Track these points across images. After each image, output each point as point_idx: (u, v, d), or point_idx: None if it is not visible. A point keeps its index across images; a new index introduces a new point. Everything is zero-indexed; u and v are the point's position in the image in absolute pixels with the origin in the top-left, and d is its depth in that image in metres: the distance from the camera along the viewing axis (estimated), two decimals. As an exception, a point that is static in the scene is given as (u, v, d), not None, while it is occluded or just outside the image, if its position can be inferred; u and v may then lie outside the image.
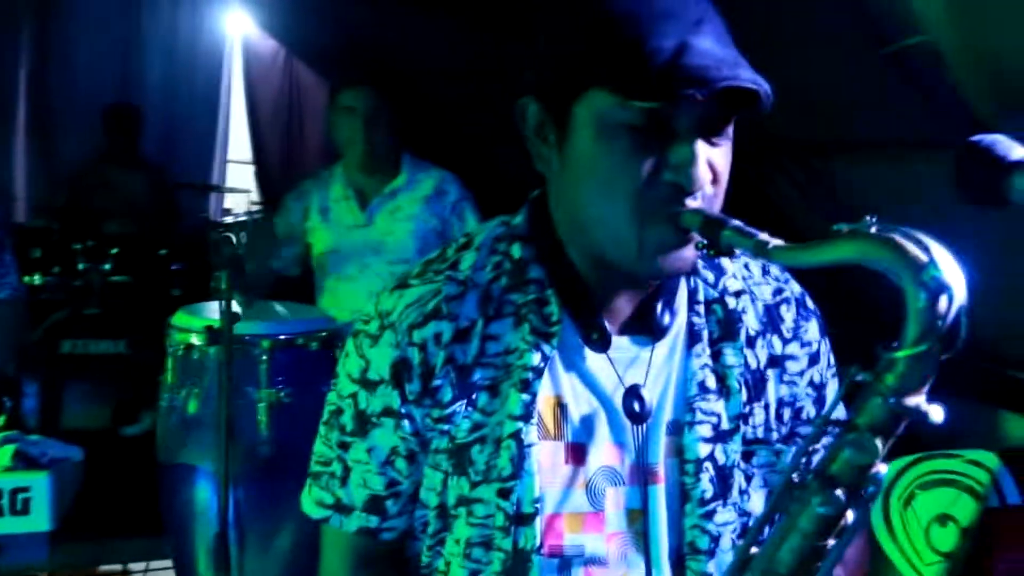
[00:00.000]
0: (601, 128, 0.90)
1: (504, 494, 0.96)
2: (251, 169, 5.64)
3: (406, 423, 0.99)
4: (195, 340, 2.22)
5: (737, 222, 0.85)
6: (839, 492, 0.69)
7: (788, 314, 1.07)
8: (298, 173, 5.56)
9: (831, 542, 0.72)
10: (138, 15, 5.54)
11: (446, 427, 0.98)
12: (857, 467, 0.68)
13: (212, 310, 2.26)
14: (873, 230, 0.72)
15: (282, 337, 2.24)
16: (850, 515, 0.71)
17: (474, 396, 0.97)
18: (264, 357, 2.19)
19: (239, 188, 5.40)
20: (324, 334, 2.32)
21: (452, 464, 0.98)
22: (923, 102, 1.86)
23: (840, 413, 0.82)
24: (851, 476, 0.69)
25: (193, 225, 4.87)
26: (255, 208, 5.08)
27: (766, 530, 0.81)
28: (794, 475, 0.75)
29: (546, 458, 0.97)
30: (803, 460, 0.75)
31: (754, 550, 0.81)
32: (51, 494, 1.81)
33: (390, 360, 0.98)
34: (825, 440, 0.77)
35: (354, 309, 2.57)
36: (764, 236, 0.83)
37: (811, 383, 1.07)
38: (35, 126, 5.23)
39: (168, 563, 2.96)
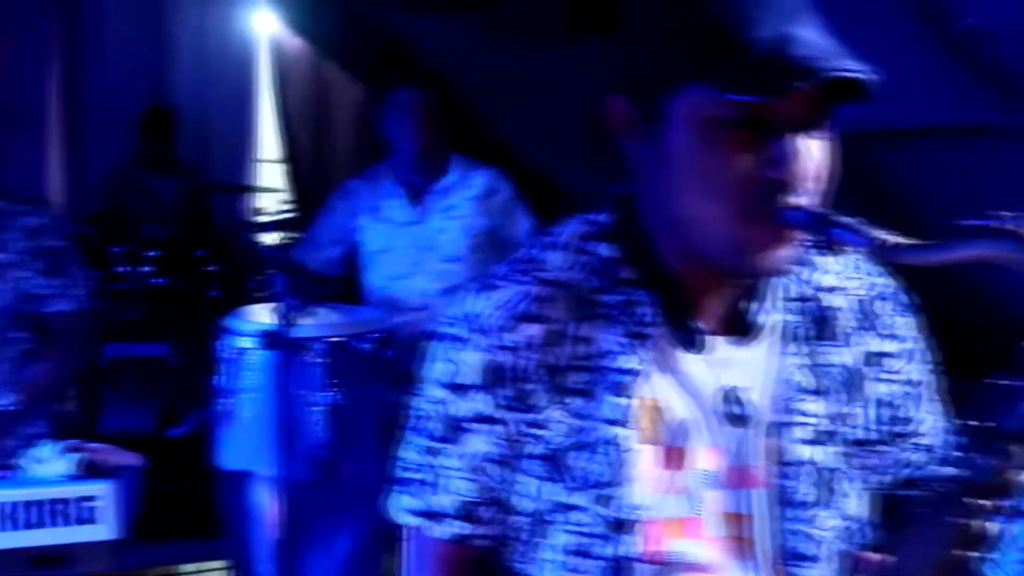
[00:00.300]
0: (698, 124, 0.87)
1: (603, 500, 0.94)
2: (280, 168, 5.63)
3: (499, 428, 0.97)
4: (248, 343, 2.22)
5: (846, 218, 0.83)
6: (984, 502, 0.66)
7: (884, 310, 1.04)
8: (327, 172, 5.56)
9: (972, 554, 0.69)
10: (166, 18, 5.55)
11: (540, 432, 0.96)
12: (1004, 476, 0.66)
13: (263, 313, 2.26)
14: (1010, 225, 0.70)
15: (337, 339, 2.23)
16: (993, 526, 0.69)
17: (568, 400, 0.96)
18: (319, 360, 2.19)
19: (271, 188, 5.40)
20: (378, 335, 2.31)
21: (547, 470, 0.97)
22: (986, 84, 1.81)
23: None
24: (996, 485, 0.66)
25: (227, 226, 4.89)
26: (286, 207, 5.08)
27: (875, 536, 0.78)
28: (929, 482, 0.73)
29: (644, 463, 0.95)
30: (933, 465, 0.72)
31: (871, 556, 0.79)
32: (116, 502, 1.81)
33: (481, 364, 0.97)
34: (948, 447, 0.74)
35: (406, 309, 2.57)
36: (879, 233, 0.80)
37: (909, 381, 1.04)
38: (68, 132, 5.25)
39: (219, 564, 3.01)
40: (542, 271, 0.99)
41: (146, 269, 4.15)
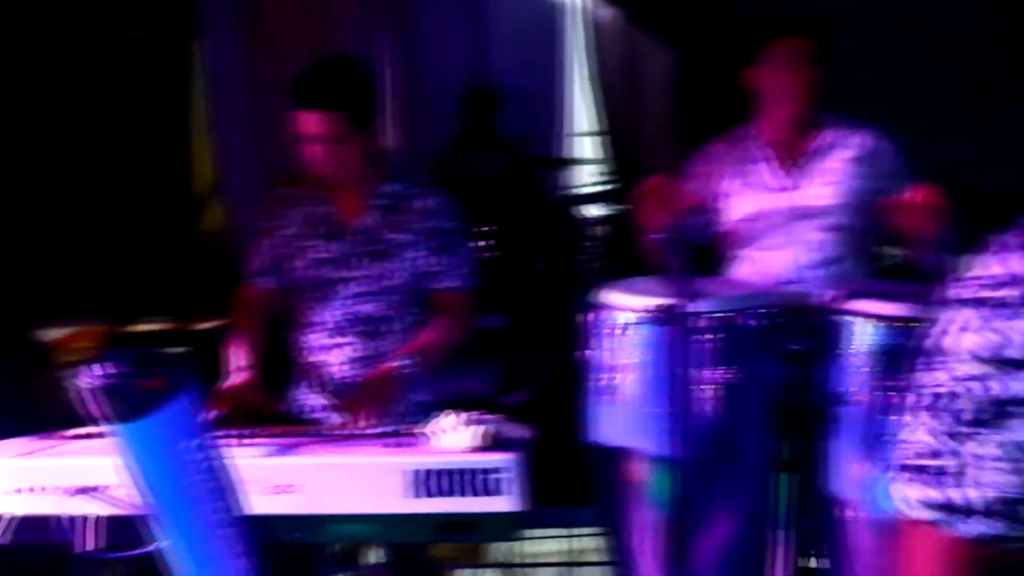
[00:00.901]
0: None
1: None
2: (595, 140, 5.62)
3: None
4: (631, 317, 2.16)
5: None
6: None
7: None
8: (643, 141, 5.48)
9: None
10: (484, -4, 5.70)
11: None
12: None
13: (644, 287, 2.19)
14: None
15: (723, 314, 2.11)
16: None
17: None
18: (706, 336, 2.08)
19: (589, 160, 5.42)
20: (765, 310, 2.16)
21: None
22: None
23: None
24: None
25: (550, 200, 4.96)
26: (604, 180, 5.07)
27: None
28: None
29: None
30: None
31: None
32: (520, 474, 1.82)
33: None
34: None
35: (778, 282, 2.40)
36: None
37: None
38: (400, 117, 5.56)
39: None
40: None
41: (480, 243, 4.28)
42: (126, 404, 1.50)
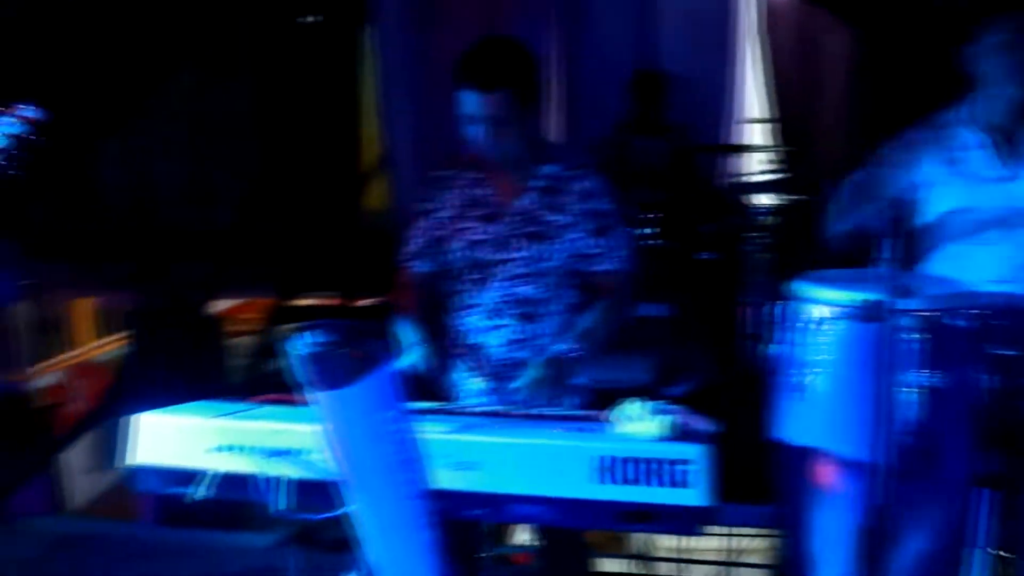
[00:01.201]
0: None
1: None
2: (765, 127, 5.42)
3: None
4: (826, 312, 2.05)
5: None
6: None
7: None
8: (817, 128, 5.25)
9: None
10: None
11: None
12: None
13: (841, 280, 2.08)
14: None
15: (930, 313, 1.97)
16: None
17: None
18: (910, 335, 1.95)
19: (758, 147, 5.23)
20: (976, 311, 2.01)
21: None
22: None
23: None
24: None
25: (717, 188, 4.82)
26: (775, 168, 4.88)
27: None
28: None
29: None
30: None
31: None
32: (708, 468, 1.75)
33: None
34: None
35: (988, 280, 2.23)
36: None
37: None
38: (566, 101, 5.54)
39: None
40: None
41: (645, 231, 4.20)
42: (333, 372, 1.53)
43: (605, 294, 2.48)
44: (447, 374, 2.55)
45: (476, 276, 2.48)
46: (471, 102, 2.29)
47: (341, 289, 5.31)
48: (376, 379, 1.58)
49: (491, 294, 2.47)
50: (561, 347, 2.37)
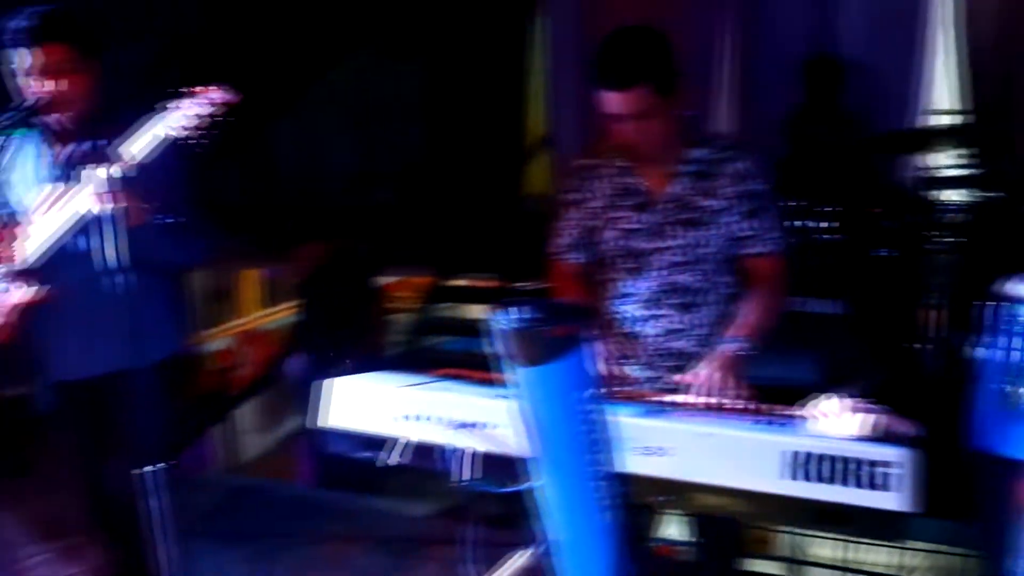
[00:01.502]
0: None
1: None
2: (956, 118, 5.07)
3: None
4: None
5: None
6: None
7: None
8: (1016, 122, 4.88)
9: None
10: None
11: None
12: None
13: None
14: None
15: None
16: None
17: None
18: None
19: (951, 140, 4.89)
20: None
21: None
22: None
23: None
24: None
25: (897, 182, 4.57)
26: (966, 163, 4.56)
27: None
28: None
29: None
30: None
31: None
32: (912, 473, 1.65)
33: None
34: None
35: None
36: None
37: None
38: (739, 87, 5.38)
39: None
40: None
41: (822, 224, 4.03)
42: (534, 348, 1.54)
43: (760, 280, 2.41)
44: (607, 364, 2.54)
45: (631, 265, 2.45)
46: (612, 102, 2.24)
47: (500, 271, 5.37)
48: (574, 359, 1.57)
49: (647, 283, 2.44)
50: (733, 344, 2.31)
